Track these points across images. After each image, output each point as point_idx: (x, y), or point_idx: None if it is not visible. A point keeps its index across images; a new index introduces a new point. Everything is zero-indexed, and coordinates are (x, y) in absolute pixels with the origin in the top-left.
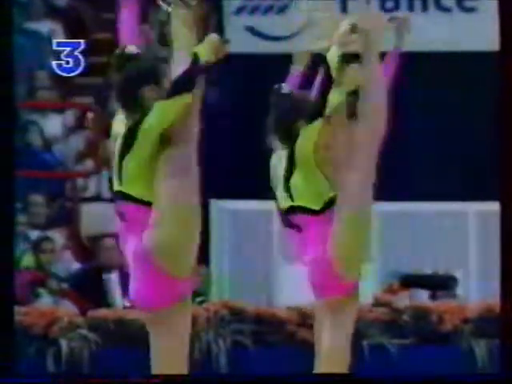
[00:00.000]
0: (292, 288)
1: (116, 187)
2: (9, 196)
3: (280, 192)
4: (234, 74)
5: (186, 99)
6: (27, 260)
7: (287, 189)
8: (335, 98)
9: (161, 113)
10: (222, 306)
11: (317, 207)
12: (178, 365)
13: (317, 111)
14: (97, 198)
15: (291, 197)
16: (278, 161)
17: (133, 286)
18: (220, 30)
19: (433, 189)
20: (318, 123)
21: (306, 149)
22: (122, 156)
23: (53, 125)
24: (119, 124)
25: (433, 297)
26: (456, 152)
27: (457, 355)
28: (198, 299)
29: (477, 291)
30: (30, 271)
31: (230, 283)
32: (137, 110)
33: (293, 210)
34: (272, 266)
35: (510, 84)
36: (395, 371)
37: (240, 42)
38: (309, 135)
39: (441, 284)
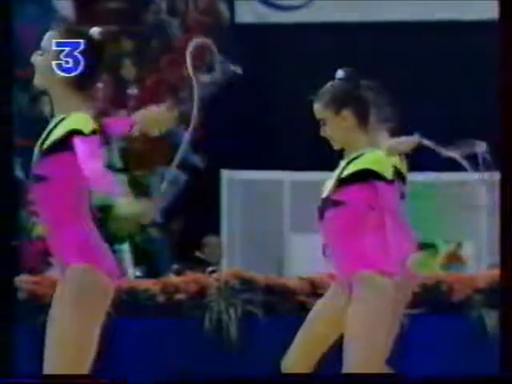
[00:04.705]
0: (303, 257)
1: None
2: (13, 167)
3: None
4: (246, 43)
5: None
6: (39, 230)
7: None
8: None
9: None
10: (233, 276)
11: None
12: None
13: None
14: (108, 168)
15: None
16: None
17: None
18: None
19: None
20: None
21: None
22: None
23: None
24: None
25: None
26: (457, 121)
27: (467, 325)
28: (209, 269)
29: (487, 261)
30: (41, 241)
31: (240, 253)
32: None
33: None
34: (283, 235)
35: (510, 52)
36: (406, 341)
37: (251, 12)
38: None
39: None
